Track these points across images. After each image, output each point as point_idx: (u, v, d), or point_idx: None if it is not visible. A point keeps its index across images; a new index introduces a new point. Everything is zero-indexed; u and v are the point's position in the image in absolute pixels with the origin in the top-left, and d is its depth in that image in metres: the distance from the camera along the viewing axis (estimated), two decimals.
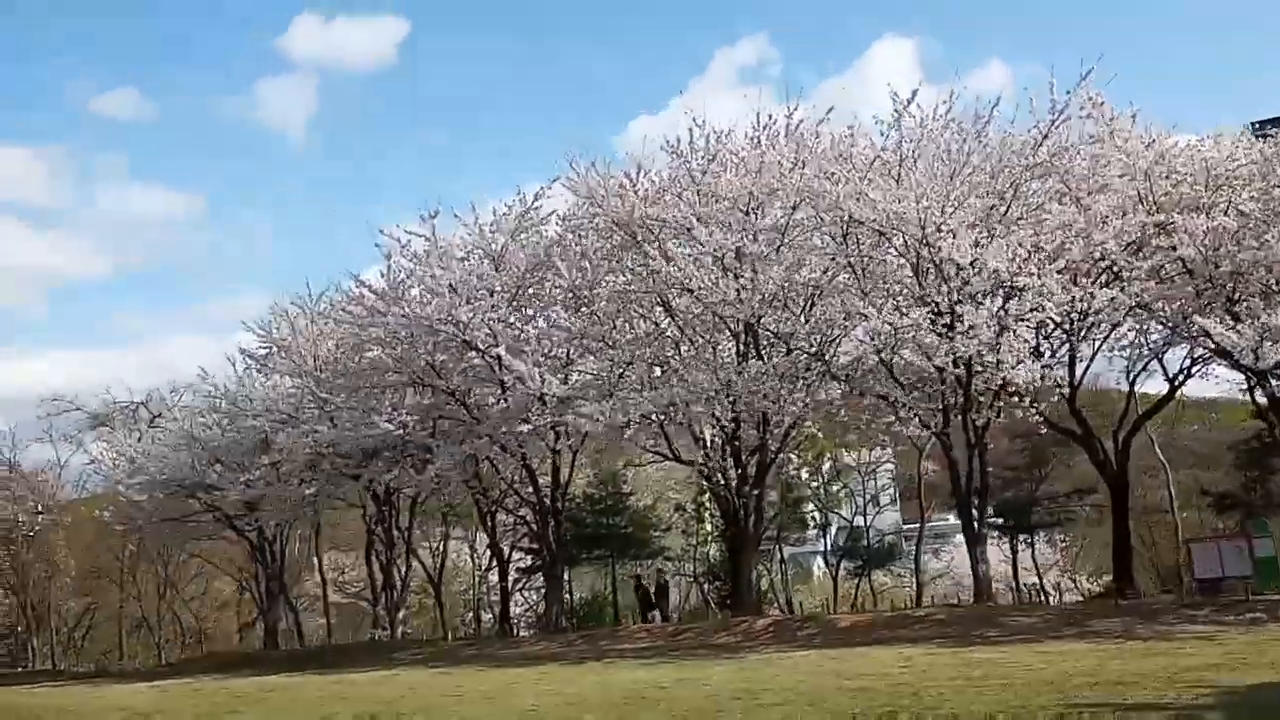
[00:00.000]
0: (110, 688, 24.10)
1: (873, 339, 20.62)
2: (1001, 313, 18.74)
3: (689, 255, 22.93)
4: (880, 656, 15.53)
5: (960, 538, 41.26)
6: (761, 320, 22.60)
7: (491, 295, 25.45)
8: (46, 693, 24.42)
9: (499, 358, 24.71)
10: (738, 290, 21.29)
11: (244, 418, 30.75)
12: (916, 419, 21.66)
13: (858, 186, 19.97)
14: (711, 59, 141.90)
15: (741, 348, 23.91)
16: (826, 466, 35.25)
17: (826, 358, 21.98)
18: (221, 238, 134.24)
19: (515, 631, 33.60)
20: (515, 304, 26.13)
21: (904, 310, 20.90)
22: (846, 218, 20.65)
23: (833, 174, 20.48)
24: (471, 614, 43.73)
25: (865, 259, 21.49)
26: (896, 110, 21.20)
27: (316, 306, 30.44)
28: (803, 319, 21.86)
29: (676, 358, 24.63)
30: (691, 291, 22.55)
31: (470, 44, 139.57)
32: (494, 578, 40.28)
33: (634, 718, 11.43)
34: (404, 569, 34.50)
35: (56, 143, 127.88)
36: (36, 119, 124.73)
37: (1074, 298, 18.87)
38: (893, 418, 23.85)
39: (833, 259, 22.02)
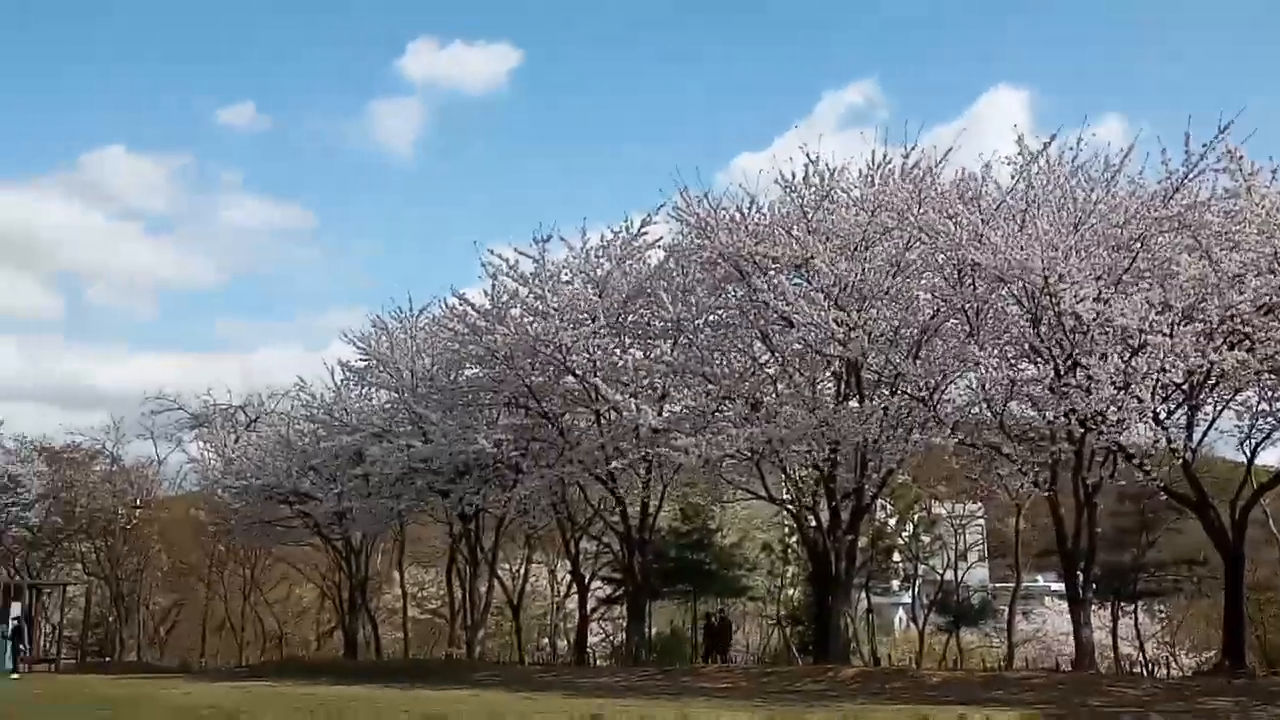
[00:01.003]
0: (194, 684, 24.37)
1: (984, 388, 19.99)
2: (1128, 369, 17.93)
3: (796, 291, 22.64)
4: (971, 716, 14.84)
5: (1050, 600, 40.05)
6: (866, 360, 22.08)
7: (593, 321, 25.39)
8: (136, 684, 24.79)
9: (596, 387, 24.62)
10: (846, 328, 20.81)
11: (339, 429, 31.16)
12: (1024, 474, 20.83)
13: (979, 229, 19.43)
14: (819, 100, 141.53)
15: (843, 388, 23.45)
16: (918, 517, 34.42)
17: (933, 403, 21.37)
18: (326, 253, 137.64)
19: (591, 661, 33.28)
20: (615, 331, 26.02)
21: (1014, 362, 20.25)
22: (964, 261, 20.09)
23: (954, 215, 19.95)
24: (547, 640, 43.57)
25: (980, 304, 20.85)
26: (1023, 154, 20.61)
27: (417, 321, 30.75)
28: (911, 361, 21.29)
29: (774, 395, 24.24)
30: (794, 327, 22.17)
31: (579, 74, 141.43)
32: (571, 604, 40.16)
33: None
34: (485, 589, 34.48)
35: (178, 152, 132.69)
36: (161, 129, 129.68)
37: (1206, 359, 17.98)
38: (996, 471, 23.18)
39: (945, 302, 21.43)
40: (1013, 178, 20.94)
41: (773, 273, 23.13)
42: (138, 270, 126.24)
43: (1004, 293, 20.53)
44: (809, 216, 22.91)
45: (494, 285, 26.34)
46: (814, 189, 23.13)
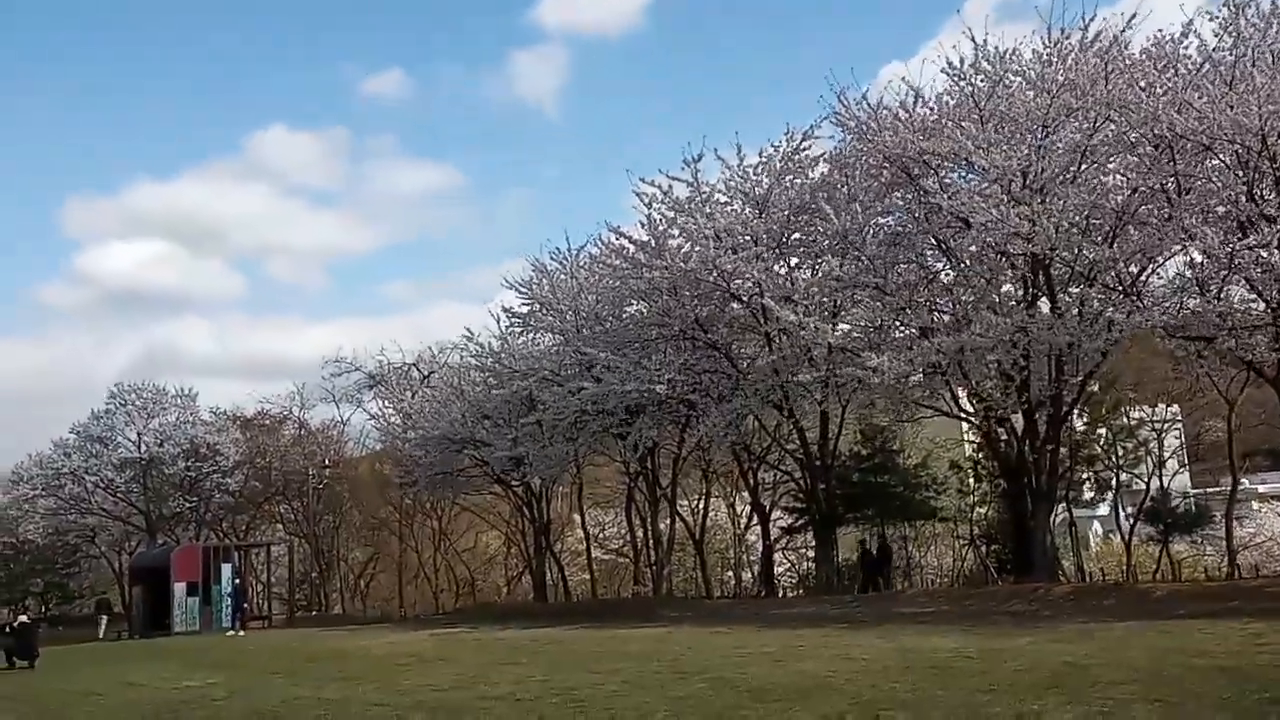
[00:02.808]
0: (395, 633, 24.94)
1: (1196, 270, 18.12)
2: None
3: (970, 188, 21.08)
4: (1222, 632, 13.44)
5: (1257, 505, 37.17)
6: (1055, 254, 20.37)
7: (755, 243, 24.38)
8: (343, 635, 25.57)
9: (764, 308, 23.67)
10: (1029, 221, 19.17)
11: (509, 376, 31.23)
12: (1247, 366, 18.88)
13: (1179, 95, 17.45)
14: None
15: (1029, 289, 21.81)
16: (1117, 423, 32.22)
17: (1135, 293, 19.56)
18: (481, 208, 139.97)
19: (779, 592, 32.70)
20: (780, 251, 24.97)
21: (1226, 239, 18.25)
22: (1162, 133, 18.13)
23: (1149, 83, 17.99)
24: (731, 573, 43.26)
25: (1182, 180, 18.85)
26: (1229, 4, 18.34)
27: (576, 260, 30.34)
28: (1106, 249, 19.47)
29: (954, 303, 22.79)
30: (971, 227, 20.61)
31: (714, 4, 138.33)
32: (753, 537, 39.62)
33: (948, 689, 10.12)
34: (666, 526, 34.26)
35: (333, 125, 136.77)
36: (315, 104, 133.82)
37: None
38: (1204, 367, 21.26)
39: (1143, 181, 19.48)
40: (1216, 34, 18.68)
41: (944, 171, 21.61)
42: (306, 243, 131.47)
43: (1212, 164, 18.48)
44: (981, 105, 21.18)
45: (649, 215, 25.59)
46: (985, 75, 21.33)
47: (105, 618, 38.91)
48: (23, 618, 24.51)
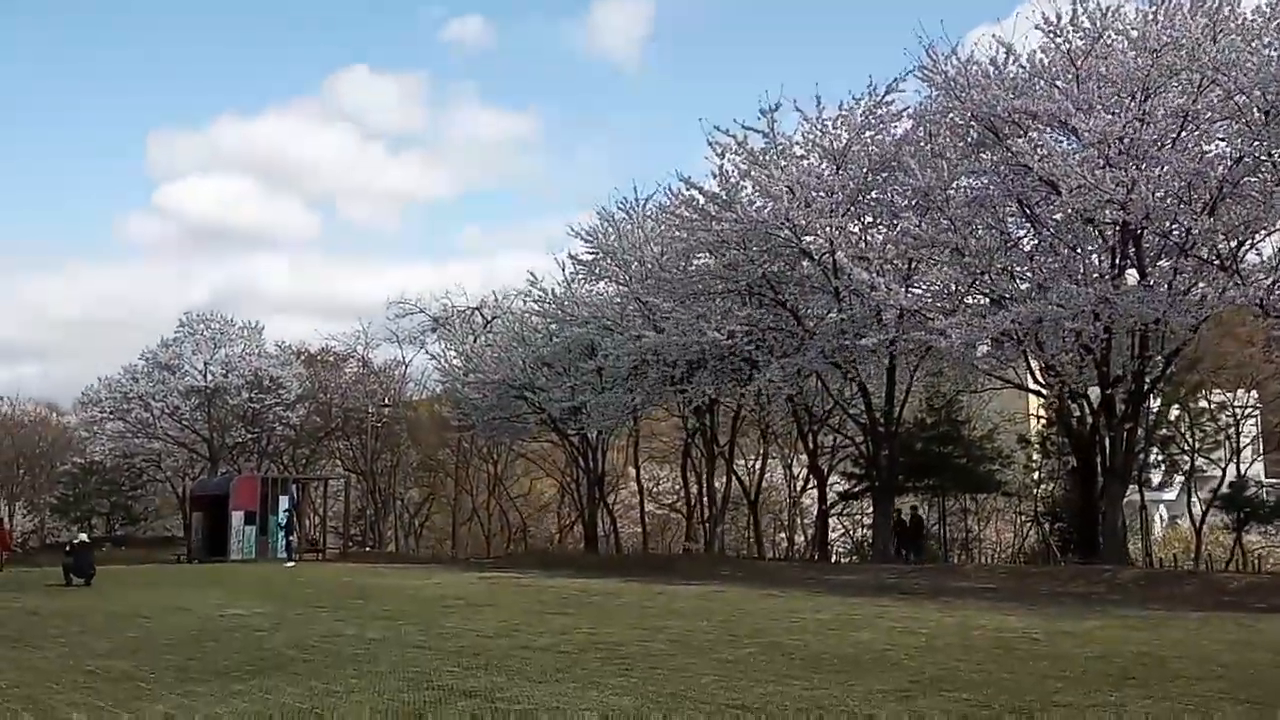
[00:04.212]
0: (445, 574, 24.89)
1: None
2: None
3: (1062, 150, 20.09)
4: None
5: None
6: (1149, 224, 19.36)
7: (830, 198, 23.60)
8: (394, 573, 25.61)
9: (835, 265, 22.95)
10: (1126, 188, 18.18)
11: (570, 323, 31.02)
12: None
13: None
14: None
15: (1118, 259, 20.83)
16: (1196, 405, 31.02)
17: (1234, 267, 18.52)
18: (557, 157, 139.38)
19: (833, 557, 32.19)
20: (855, 208, 24.15)
21: None
22: (1275, 98, 17.02)
23: (1262, 45, 16.86)
24: (784, 535, 42.84)
25: None
26: None
27: (644, 210, 29.82)
28: (1207, 220, 18.41)
29: (1034, 271, 21.85)
30: (1060, 192, 19.65)
31: None
32: (809, 499, 39.09)
33: (1014, 672, 9.56)
34: (721, 484, 33.87)
35: (414, 69, 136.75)
36: (397, 48, 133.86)
37: None
38: None
39: (1249, 148, 18.36)
40: None
41: (1034, 132, 20.60)
42: (383, 186, 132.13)
43: None
44: (1078, 64, 20.12)
45: (722, 166, 24.84)
46: (1083, 33, 20.23)
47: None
48: (81, 537, 24.83)
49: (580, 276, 31.79)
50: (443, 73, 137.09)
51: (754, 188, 24.60)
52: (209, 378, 45.13)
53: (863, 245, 23.67)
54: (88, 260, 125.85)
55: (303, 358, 50.06)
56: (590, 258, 30.69)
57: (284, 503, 35.38)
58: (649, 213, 29.58)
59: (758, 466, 37.46)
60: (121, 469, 50.81)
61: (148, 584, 21.88)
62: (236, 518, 34.46)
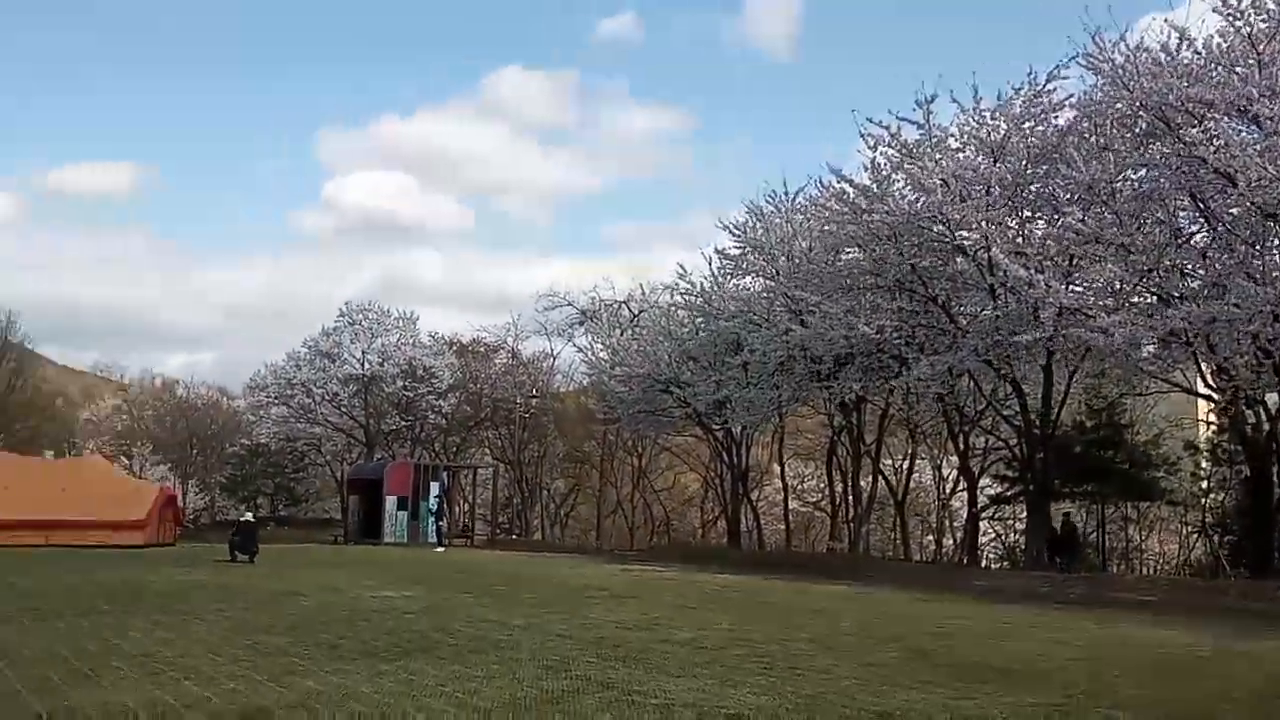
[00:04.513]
0: (589, 565, 25.19)
1: None
2: None
3: (1240, 140, 18.88)
4: None
5: None
6: None
7: (987, 192, 22.83)
8: (539, 562, 26.10)
9: (990, 260, 22.18)
10: None
11: (716, 317, 30.96)
12: None
13: None
14: None
15: None
16: None
17: None
18: (706, 152, 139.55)
19: (982, 563, 31.23)
20: (1013, 202, 23.29)
21: None
22: None
23: None
24: (932, 538, 41.83)
25: None
26: None
27: (792, 204, 29.50)
28: None
29: (1208, 267, 20.62)
30: (1237, 185, 18.48)
31: None
32: (958, 502, 38.03)
33: (1179, 692, 9.02)
34: (867, 483, 33.27)
35: (566, 67, 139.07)
36: (550, 46, 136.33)
37: None
38: None
39: None
40: None
41: (1210, 121, 19.41)
42: (536, 181, 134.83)
43: None
44: (1260, 48, 18.88)
45: (874, 159, 24.34)
46: (1266, 14, 18.97)
47: None
48: (247, 516, 26.15)
49: (727, 271, 31.67)
50: (594, 69, 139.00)
51: (907, 181, 24.02)
52: (366, 366, 46.86)
53: (1020, 240, 22.83)
54: (261, 253, 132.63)
55: (454, 348, 51.50)
56: (738, 252, 30.57)
57: (435, 489, 36.42)
58: (798, 206, 29.28)
59: (905, 466, 36.66)
60: (285, 452, 53.31)
61: (306, 564, 22.81)
62: (390, 502, 35.66)
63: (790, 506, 42.74)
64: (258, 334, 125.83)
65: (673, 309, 35.51)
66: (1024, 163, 22.87)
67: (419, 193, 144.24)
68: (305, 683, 8.39)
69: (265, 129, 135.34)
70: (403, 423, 48.40)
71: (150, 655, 9.63)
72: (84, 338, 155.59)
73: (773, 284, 29.01)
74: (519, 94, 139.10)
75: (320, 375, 47.29)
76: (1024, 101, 22.98)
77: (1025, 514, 28.58)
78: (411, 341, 48.72)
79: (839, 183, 25.27)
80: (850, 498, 33.93)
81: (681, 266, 32.83)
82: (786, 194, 29.69)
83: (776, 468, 42.48)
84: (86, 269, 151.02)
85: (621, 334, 40.28)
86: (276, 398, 48.61)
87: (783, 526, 42.73)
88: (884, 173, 24.16)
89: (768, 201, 30.00)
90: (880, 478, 33.67)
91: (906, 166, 23.81)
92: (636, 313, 41.81)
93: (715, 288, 31.76)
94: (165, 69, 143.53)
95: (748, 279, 31.48)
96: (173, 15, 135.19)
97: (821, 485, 41.76)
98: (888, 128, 23.92)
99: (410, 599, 15.18)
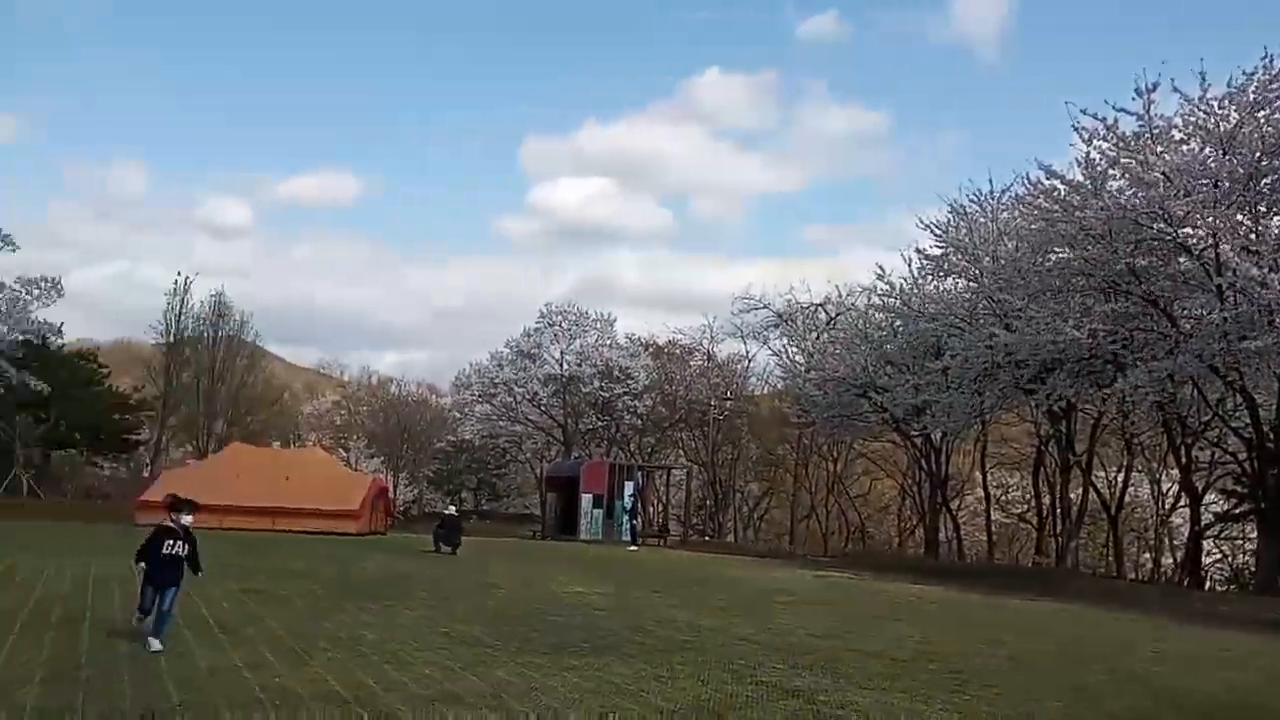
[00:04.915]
0: (781, 569, 24.93)
1: None
2: None
3: None
4: None
5: None
6: None
7: (1215, 186, 21.28)
8: (731, 564, 26.04)
9: (1218, 259, 20.65)
10: None
11: (916, 320, 30.11)
12: None
13: None
14: None
15: None
16: None
17: None
18: (908, 152, 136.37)
19: (1206, 584, 29.13)
20: (1245, 196, 21.62)
21: None
22: None
23: None
24: (1149, 555, 39.36)
25: None
26: None
27: (998, 203, 28.34)
28: None
29: None
30: None
31: None
32: (1179, 519, 35.67)
33: None
34: (1077, 496, 31.60)
35: (765, 69, 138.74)
36: (750, 48, 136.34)
37: None
38: None
39: None
40: None
41: None
42: (733, 184, 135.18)
43: None
44: None
45: (1088, 153, 23.08)
46: None
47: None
48: (451, 509, 27.15)
49: (927, 271, 30.71)
50: (793, 70, 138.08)
51: (1123, 175, 22.66)
52: (565, 366, 48.01)
53: (1253, 237, 21.14)
54: (468, 256, 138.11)
55: (650, 350, 52.09)
56: (939, 252, 29.59)
57: (629, 488, 36.88)
58: (1004, 205, 28.11)
59: (1120, 479, 34.68)
60: (487, 448, 55.23)
61: (505, 557, 23.50)
62: (586, 500, 36.34)
63: (993, 517, 41.13)
64: (465, 334, 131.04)
65: (870, 311, 34.76)
66: (1258, 154, 21.22)
67: (618, 196, 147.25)
68: (496, 673, 8.61)
69: (474, 139, 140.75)
70: (599, 422, 49.30)
71: (356, 639, 10.12)
72: (308, 337, 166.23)
73: (976, 285, 27.94)
74: (718, 96, 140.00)
75: (521, 375, 48.74)
76: (1258, 87, 21.30)
77: (1255, 534, 26.45)
78: (609, 343, 49.58)
79: (1048, 179, 24.14)
80: (1058, 510, 32.31)
81: (880, 267, 32.03)
82: (992, 192, 28.61)
83: (978, 476, 40.97)
84: (311, 273, 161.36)
85: (817, 337, 39.76)
86: (480, 396, 50.40)
87: (984, 538, 41.16)
88: (1099, 168, 22.85)
89: (971, 200, 28.97)
90: (1091, 490, 31.90)
91: (1123, 160, 22.45)
92: (833, 315, 41.18)
93: (914, 289, 30.86)
94: (384, 84, 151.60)
95: (949, 280, 30.47)
96: (388, 30, 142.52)
97: (1027, 496, 40.00)
98: (1103, 120, 22.65)
99: (602, 596, 15.40)
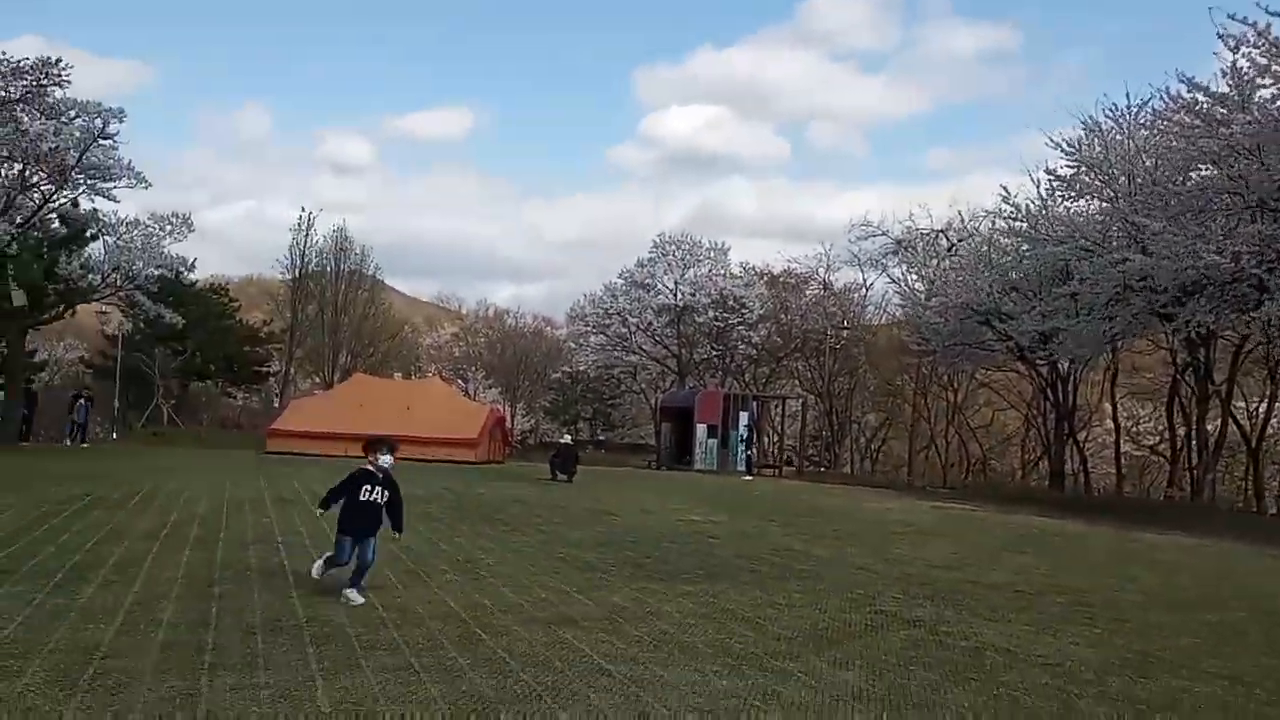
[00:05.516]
0: (898, 500, 24.55)
1: None
2: None
3: None
4: None
5: None
6: None
7: None
8: (846, 494, 25.76)
9: None
10: None
11: (1043, 243, 28.82)
12: None
13: None
14: None
15: None
16: None
17: None
18: (1036, 71, 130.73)
19: None
20: None
21: None
22: None
23: None
24: None
25: None
26: None
27: (1135, 119, 26.80)
28: None
29: None
30: None
31: None
32: None
33: None
34: (1215, 427, 30.20)
35: None
36: None
37: None
38: None
39: None
40: None
41: None
42: (851, 108, 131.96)
43: None
44: None
45: (1234, 62, 21.55)
46: None
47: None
48: (566, 438, 27.43)
49: (1058, 193, 29.34)
50: None
51: (1275, 84, 21.13)
52: (679, 296, 47.81)
53: None
54: (584, 188, 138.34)
55: (765, 279, 51.48)
56: (1070, 172, 28.19)
57: (744, 418, 36.70)
58: (1142, 121, 26.56)
59: (1262, 410, 33.03)
60: (602, 379, 55.65)
61: (619, 485, 23.66)
62: (700, 430, 36.33)
63: (1123, 449, 39.76)
64: (580, 266, 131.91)
65: (994, 236, 33.52)
66: None
67: (734, 124, 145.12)
68: (611, 598, 8.61)
69: (587, 70, 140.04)
70: (714, 352, 49.11)
71: (473, 561, 10.26)
72: (426, 271, 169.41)
73: (1110, 206, 26.60)
74: (835, 18, 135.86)
75: (635, 305, 48.76)
76: None
77: None
78: (723, 273, 49.16)
79: (1190, 92, 22.66)
80: (1194, 442, 30.97)
81: (1005, 189, 30.62)
82: (1129, 107, 27.04)
83: (1108, 407, 39.60)
84: (429, 207, 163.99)
85: (938, 263, 38.64)
86: (594, 327, 50.65)
87: (1113, 470, 39.86)
88: (1247, 77, 21.36)
89: (1107, 116, 27.42)
90: (1231, 421, 30.45)
91: (1275, 68, 20.94)
92: (955, 241, 39.94)
93: (1043, 211, 29.53)
94: (495, 20, 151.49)
95: (1081, 201, 29.08)
96: None
97: (1160, 427, 38.54)
98: (1253, 24, 21.07)
99: (715, 524, 15.34)
